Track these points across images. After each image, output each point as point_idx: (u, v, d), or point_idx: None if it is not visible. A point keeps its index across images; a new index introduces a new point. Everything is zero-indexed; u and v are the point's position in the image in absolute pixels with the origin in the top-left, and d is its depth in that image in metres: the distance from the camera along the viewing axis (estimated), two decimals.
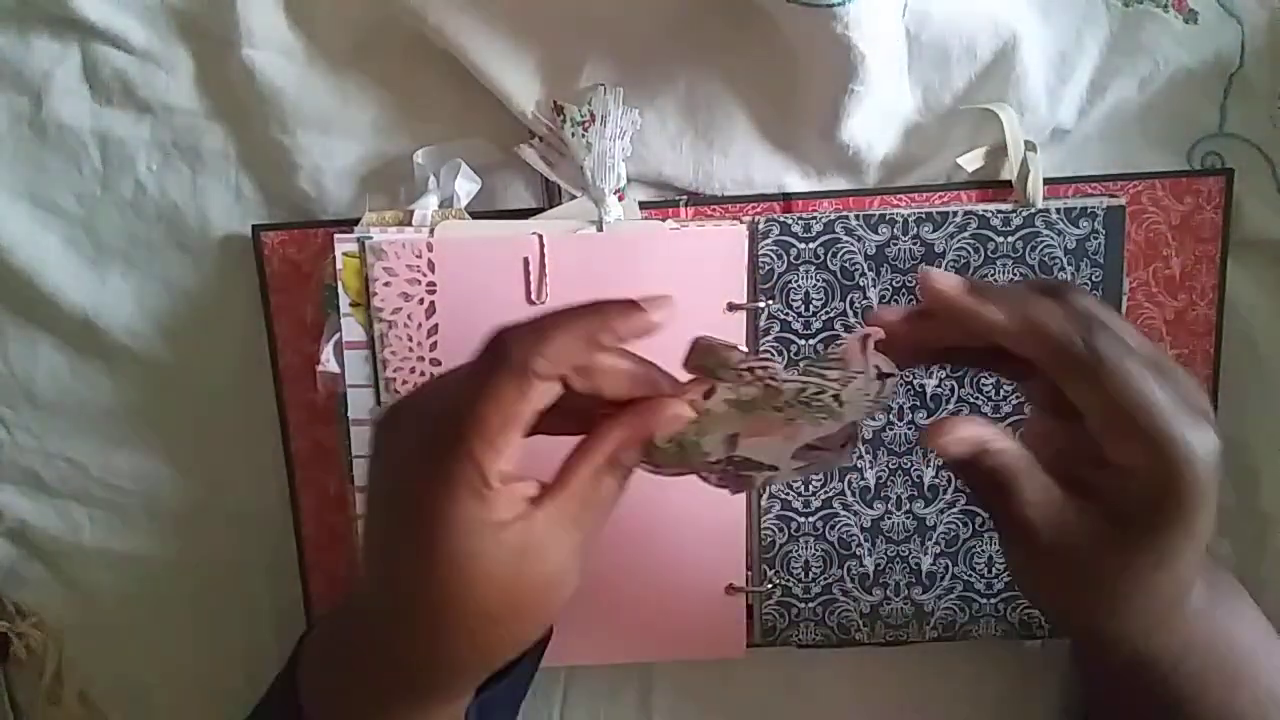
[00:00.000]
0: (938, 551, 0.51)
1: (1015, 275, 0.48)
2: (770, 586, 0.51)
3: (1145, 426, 0.33)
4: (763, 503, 0.50)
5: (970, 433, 0.34)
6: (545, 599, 0.34)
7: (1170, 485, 0.33)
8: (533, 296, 0.48)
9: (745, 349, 0.34)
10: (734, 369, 0.34)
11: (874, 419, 0.36)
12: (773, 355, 0.34)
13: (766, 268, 0.48)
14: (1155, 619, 0.37)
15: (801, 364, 0.35)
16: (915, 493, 0.50)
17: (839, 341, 0.37)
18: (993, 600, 0.51)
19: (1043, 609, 0.40)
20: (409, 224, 0.48)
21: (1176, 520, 0.33)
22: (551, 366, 0.32)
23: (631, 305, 0.33)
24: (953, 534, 0.51)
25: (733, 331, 0.48)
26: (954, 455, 0.34)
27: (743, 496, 0.50)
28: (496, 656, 0.35)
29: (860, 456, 0.50)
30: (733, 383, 0.35)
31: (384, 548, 0.34)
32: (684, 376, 0.35)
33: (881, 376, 0.35)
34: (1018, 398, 0.49)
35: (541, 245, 0.47)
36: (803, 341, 0.49)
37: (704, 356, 0.35)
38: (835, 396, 0.35)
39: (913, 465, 0.50)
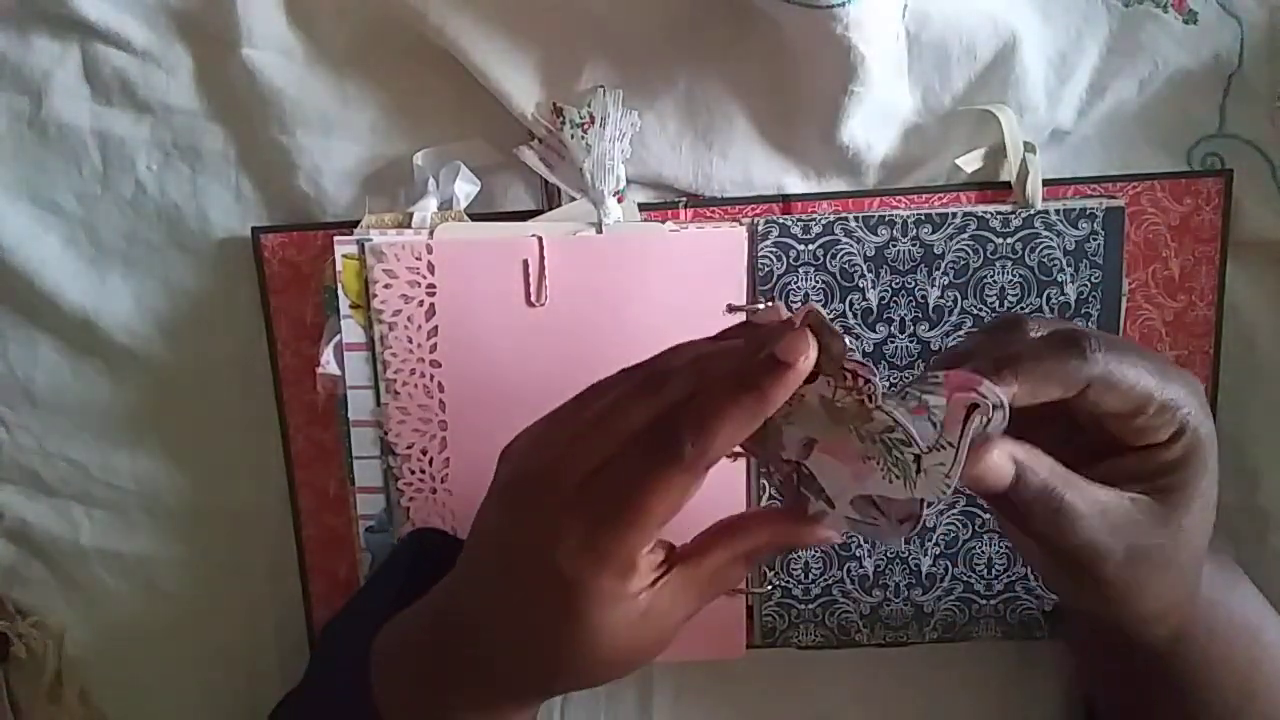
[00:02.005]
0: (937, 552, 0.51)
1: (1014, 277, 0.48)
2: (770, 588, 0.51)
3: (1160, 403, 0.35)
4: (762, 504, 0.50)
5: (1008, 452, 0.34)
6: (650, 654, 0.36)
7: (1193, 443, 0.35)
8: (532, 298, 0.48)
9: (852, 347, 0.33)
10: (837, 361, 0.32)
11: (938, 500, 0.34)
12: (873, 369, 0.32)
13: (766, 269, 0.48)
14: (1195, 582, 0.38)
15: (906, 392, 0.33)
16: None
17: (939, 374, 0.34)
18: (993, 601, 0.51)
19: (1093, 607, 0.39)
20: (408, 226, 0.48)
21: (1204, 470, 0.36)
22: (719, 455, 0.32)
23: (777, 364, 0.32)
24: (952, 535, 0.51)
25: None
26: (1002, 483, 0.34)
27: (743, 498, 0.50)
28: (589, 687, 0.37)
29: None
30: (833, 378, 0.32)
31: (511, 593, 0.35)
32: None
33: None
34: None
35: (541, 247, 0.47)
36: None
37: (819, 333, 0.32)
38: (916, 459, 0.32)
39: None
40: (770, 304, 0.35)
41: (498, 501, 0.37)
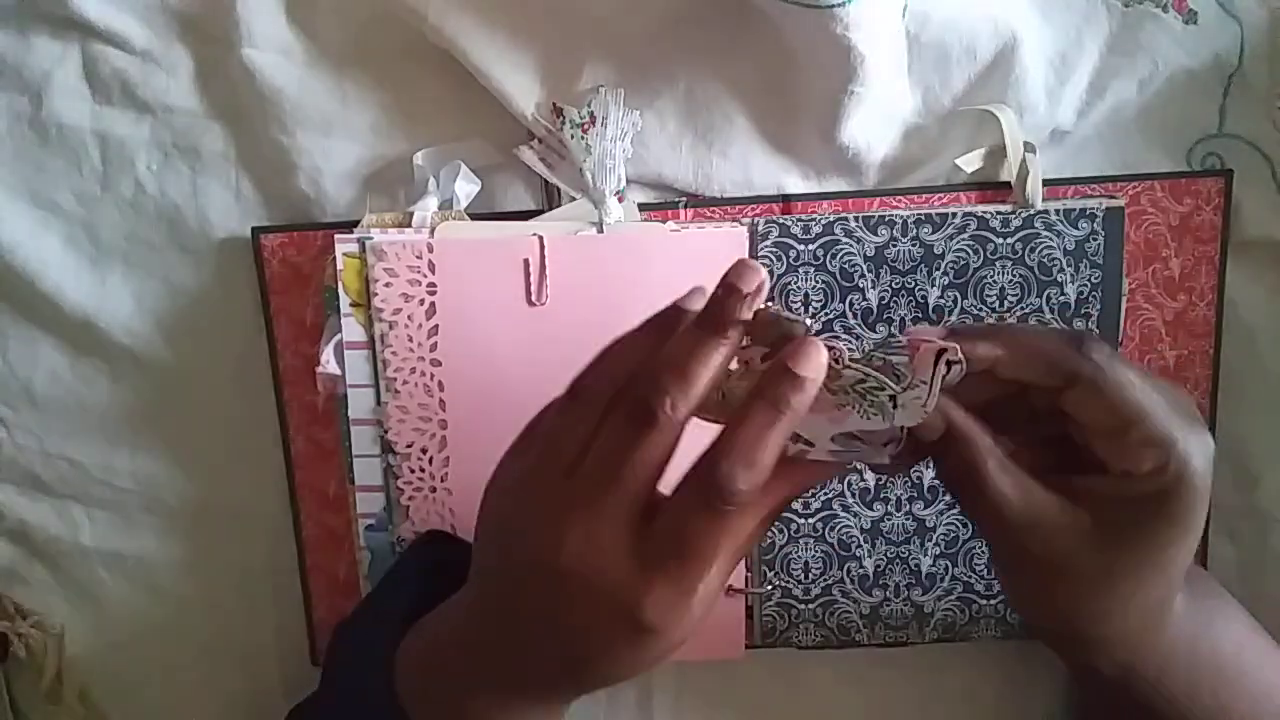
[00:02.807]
0: (937, 553, 0.51)
1: (1014, 277, 0.48)
2: (770, 588, 0.51)
3: (1148, 431, 0.34)
4: None
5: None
6: (694, 632, 0.36)
7: (1173, 487, 0.34)
8: (533, 298, 0.48)
9: (810, 323, 0.34)
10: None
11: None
12: (840, 336, 0.34)
13: (766, 269, 0.48)
14: (1149, 621, 0.37)
15: (870, 355, 0.35)
16: (915, 494, 0.50)
17: (902, 338, 0.37)
18: (993, 601, 0.51)
19: (1031, 615, 0.39)
20: (409, 225, 0.48)
21: (1178, 521, 0.34)
22: (765, 478, 0.33)
23: (796, 379, 0.32)
24: (952, 535, 0.51)
25: None
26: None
27: None
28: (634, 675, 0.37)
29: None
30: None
31: (568, 618, 0.35)
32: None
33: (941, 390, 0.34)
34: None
35: (542, 247, 0.47)
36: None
37: (766, 330, 0.34)
38: (892, 398, 0.34)
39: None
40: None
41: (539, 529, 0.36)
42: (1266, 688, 0.41)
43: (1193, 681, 0.39)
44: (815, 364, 0.32)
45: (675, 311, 0.35)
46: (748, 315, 0.34)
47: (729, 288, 0.33)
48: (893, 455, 0.36)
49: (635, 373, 0.34)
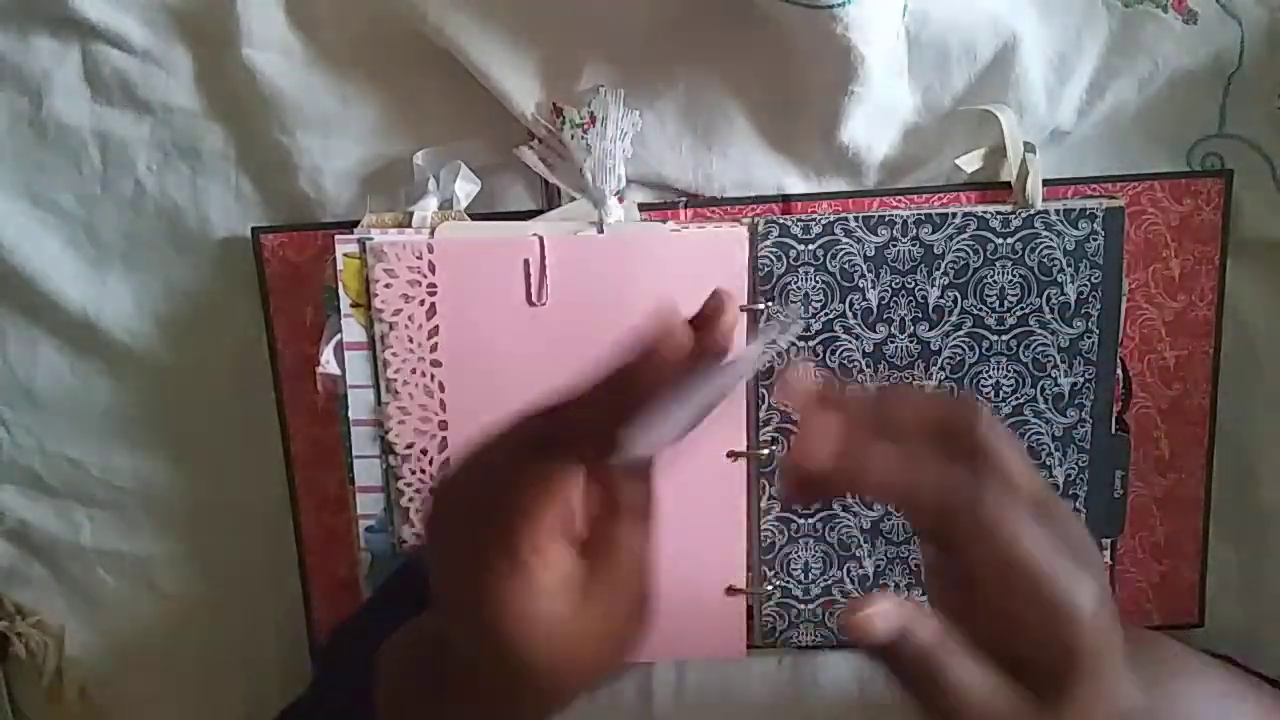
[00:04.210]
0: None
1: (1014, 277, 0.48)
2: (770, 588, 0.51)
3: (1030, 587, 0.31)
4: (762, 504, 0.50)
5: (892, 611, 0.31)
6: (616, 649, 0.35)
7: (1066, 644, 0.31)
8: (533, 298, 0.48)
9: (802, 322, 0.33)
10: None
11: None
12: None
13: (766, 269, 0.48)
14: None
15: None
16: None
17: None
18: None
19: None
20: (409, 225, 0.48)
21: (1081, 677, 0.31)
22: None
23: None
24: None
25: None
26: (878, 637, 0.31)
27: (743, 498, 0.50)
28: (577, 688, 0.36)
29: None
30: None
31: (457, 606, 0.35)
32: None
33: None
34: (1017, 398, 0.49)
35: (542, 247, 0.47)
36: (803, 344, 0.49)
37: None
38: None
39: None
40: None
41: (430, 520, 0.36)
42: None
43: None
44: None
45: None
46: None
47: None
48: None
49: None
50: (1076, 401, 0.49)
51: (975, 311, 0.49)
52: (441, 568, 0.34)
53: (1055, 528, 0.31)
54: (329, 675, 0.44)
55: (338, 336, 0.48)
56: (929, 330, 0.49)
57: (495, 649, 0.33)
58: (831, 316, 0.49)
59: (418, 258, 0.47)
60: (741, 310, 0.48)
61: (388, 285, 0.47)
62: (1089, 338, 0.49)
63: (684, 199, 0.50)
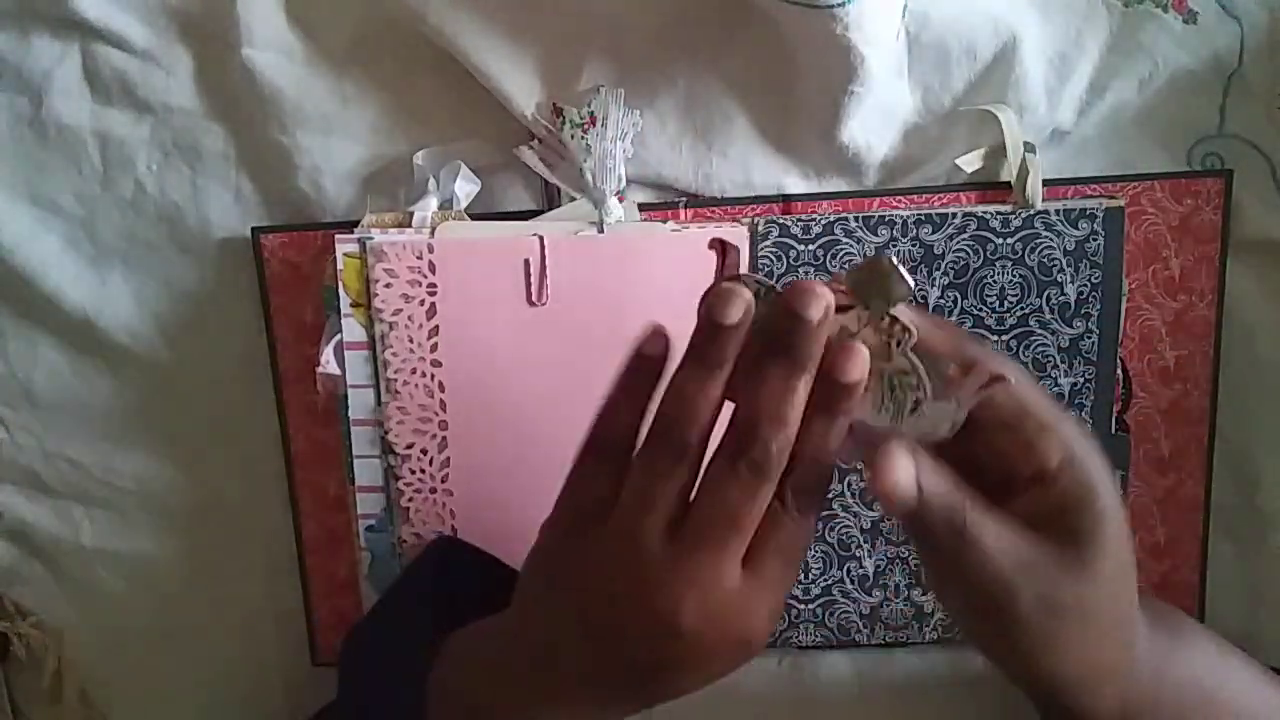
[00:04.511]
0: None
1: (1014, 277, 0.48)
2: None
3: (1043, 417, 0.34)
4: None
5: (910, 467, 0.33)
6: (758, 641, 0.35)
7: (1084, 481, 0.34)
8: (533, 298, 0.48)
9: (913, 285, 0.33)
10: (889, 303, 0.32)
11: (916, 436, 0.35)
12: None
13: (766, 269, 0.48)
14: (1113, 657, 0.36)
15: (901, 339, 0.33)
16: None
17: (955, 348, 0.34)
18: None
19: (1028, 671, 0.37)
20: (409, 225, 0.48)
21: (1107, 516, 0.34)
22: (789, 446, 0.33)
23: (796, 320, 0.32)
24: None
25: None
26: (909, 502, 0.33)
27: None
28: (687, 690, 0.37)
29: (857, 469, 0.50)
30: (874, 317, 0.33)
31: (608, 633, 0.35)
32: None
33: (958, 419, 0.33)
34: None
35: (542, 247, 0.47)
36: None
37: (872, 276, 0.32)
38: (916, 404, 0.33)
39: None
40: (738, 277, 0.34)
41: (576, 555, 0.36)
42: (1246, 714, 0.39)
43: (1165, 714, 0.38)
44: (812, 305, 0.31)
45: (643, 359, 0.35)
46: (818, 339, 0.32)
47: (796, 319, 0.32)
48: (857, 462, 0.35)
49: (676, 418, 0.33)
50: (1076, 402, 0.49)
51: (975, 311, 0.49)
52: (620, 596, 0.34)
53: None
54: (364, 680, 0.43)
55: (338, 336, 0.48)
56: None
57: (647, 614, 0.33)
58: None
59: (418, 258, 0.47)
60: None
61: (388, 285, 0.47)
62: (1089, 338, 0.49)
63: (684, 199, 0.50)
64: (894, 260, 0.32)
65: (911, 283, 0.32)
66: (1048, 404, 0.34)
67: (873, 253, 0.48)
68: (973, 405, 0.33)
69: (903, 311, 0.33)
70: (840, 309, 0.33)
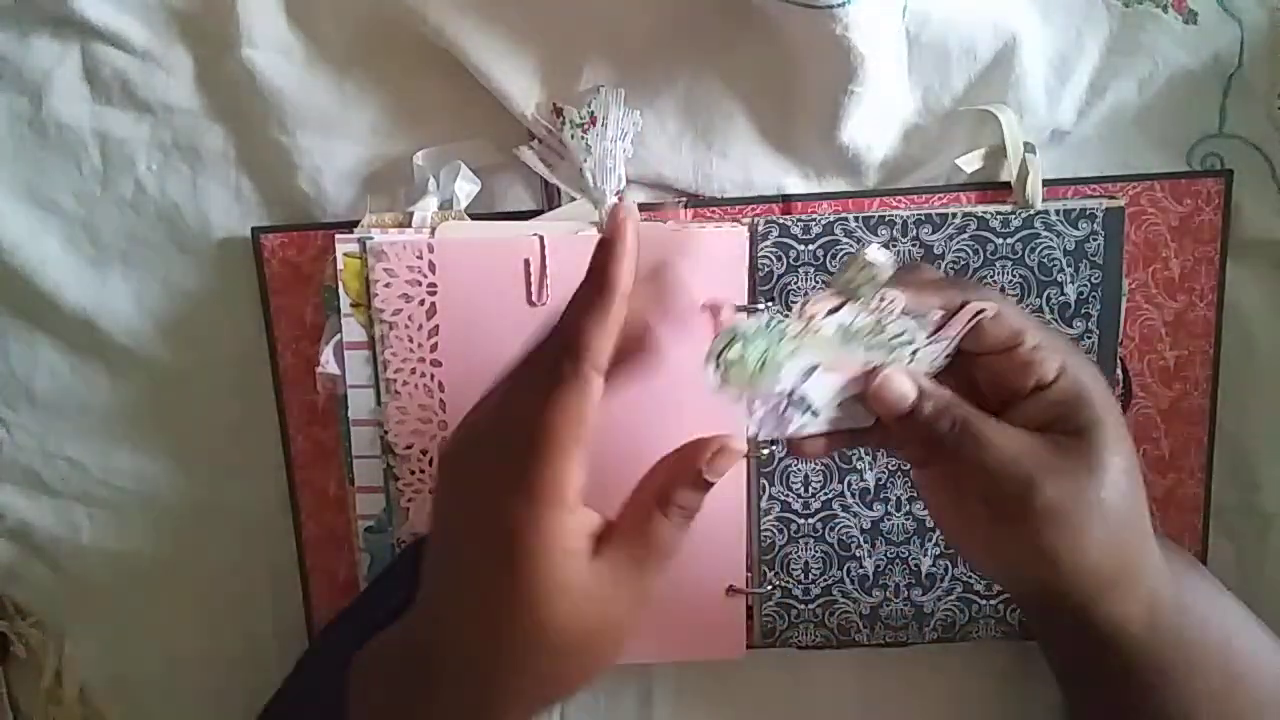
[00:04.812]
0: (937, 553, 0.51)
1: (1014, 277, 0.48)
2: (770, 588, 0.51)
3: (1037, 337, 0.36)
4: (762, 504, 0.50)
5: (906, 377, 0.36)
6: (608, 646, 0.35)
7: (1081, 390, 0.36)
8: (533, 298, 0.48)
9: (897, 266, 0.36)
10: (877, 288, 0.36)
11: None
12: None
13: (766, 269, 0.48)
14: (1132, 557, 0.37)
15: (881, 303, 0.37)
16: (915, 494, 0.50)
17: (931, 288, 0.38)
18: (993, 601, 0.51)
19: (1015, 576, 0.39)
20: (409, 225, 0.48)
21: (1103, 423, 0.36)
22: (600, 360, 0.33)
23: (606, 245, 0.34)
24: None
25: None
26: (905, 402, 0.36)
27: (743, 498, 0.50)
28: (560, 693, 0.36)
29: (860, 457, 0.50)
30: (865, 303, 0.36)
31: (465, 581, 0.34)
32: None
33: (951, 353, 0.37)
34: None
35: (542, 246, 0.47)
36: None
37: (860, 272, 0.36)
38: (914, 353, 0.37)
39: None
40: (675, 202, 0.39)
41: (435, 505, 0.37)
42: (1266, 675, 0.40)
43: (1191, 660, 0.39)
44: (619, 229, 0.34)
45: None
46: (628, 267, 0.35)
47: (606, 244, 0.35)
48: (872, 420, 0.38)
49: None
50: None
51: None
52: (470, 523, 0.34)
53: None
54: (306, 676, 0.44)
55: (338, 336, 0.48)
56: None
57: (525, 612, 0.33)
58: None
59: (418, 258, 0.47)
60: (739, 311, 0.48)
61: (388, 285, 0.47)
62: (1089, 338, 0.49)
63: (684, 199, 0.50)
64: (866, 253, 0.36)
65: (886, 258, 0.36)
66: (1038, 327, 0.37)
67: None
68: (961, 338, 0.37)
69: (888, 290, 0.36)
70: (831, 311, 0.36)
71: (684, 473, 0.35)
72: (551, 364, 0.33)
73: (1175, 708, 0.39)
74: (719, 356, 0.35)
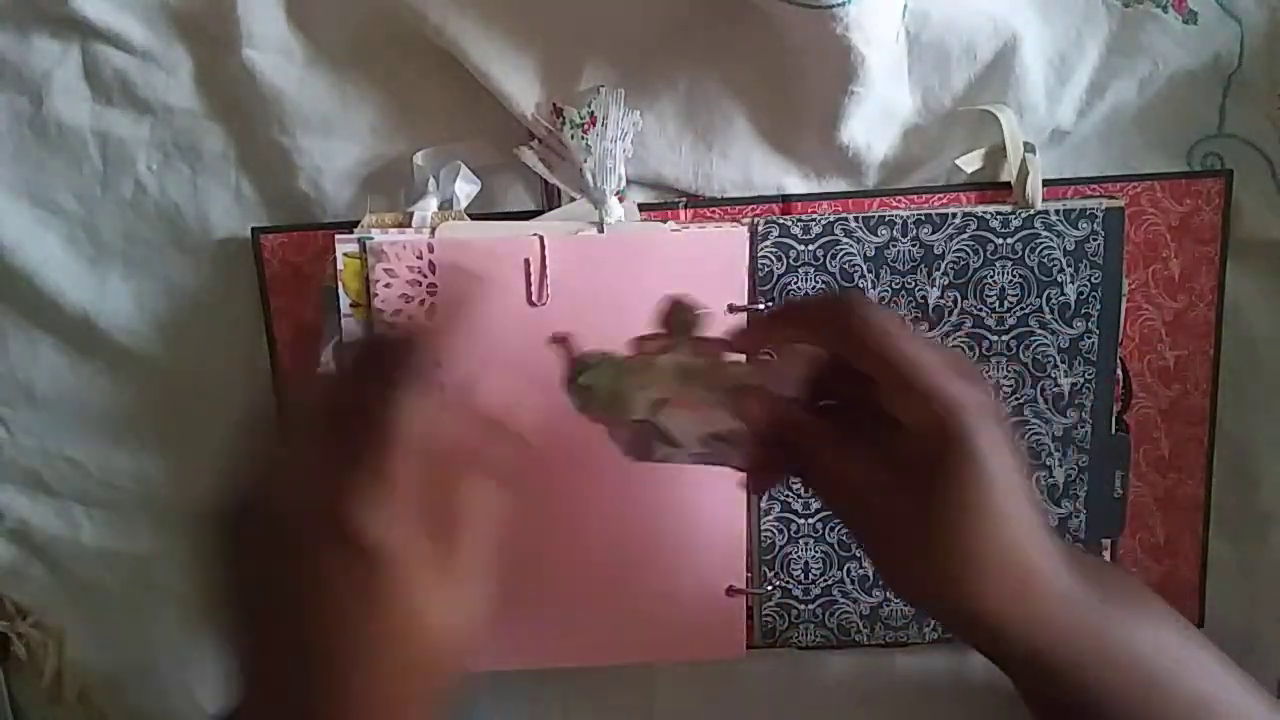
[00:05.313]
0: None
1: (1014, 277, 0.48)
2: (770, 588, 0.51)
3: (915, 380, 0.35)
4: (763, 505, 0.50)
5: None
6: (463, 632, 0.35)
7: (946, 432, 0.35)
8: (533, 298, 0.48)
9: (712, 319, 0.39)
10: (692, 336, 0.39)
11: None
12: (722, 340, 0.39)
13: (766, 269, 0.48)
14: (1019, 586, 0.36)
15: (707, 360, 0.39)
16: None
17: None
18: None
19: (907, 592, 0.39)
20: (409, 225, 0.48)
21: (964, 462, 0.35)
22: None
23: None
24: None
25: None
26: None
27: (743, 498, 0.50)
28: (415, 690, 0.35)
29: None
30: (688, 348, 0.39)
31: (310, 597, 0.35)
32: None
33: None
34: (1017, 399, 0.49)
35: (542, 247, 0.47)
36: None
37: (676, 313, 0.39)
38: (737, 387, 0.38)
39: None
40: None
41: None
42: (1198, 696, 0.38)
43: (1117, 684, 0.37)
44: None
45: None
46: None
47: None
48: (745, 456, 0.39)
49: None
50: (1076, 402, 0.49)
51: (975, 312, 0.49)
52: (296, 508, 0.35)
53: (940, 350, 0.37)
54: None
55: (337, 336, 0.48)
56: (929, 330, 0.49)
57: (370, 607, 0.33)
58: None
59: (418, 258, 0.47)
60: (739, 311, 0.48)
61: (388, 285, 0.47)
62: (1089, 338, 0.49)
63: (684, 199, 0.50)
64: (680, 300, 0.39)
65: (694, 306, 0.39)
66: (915, 356, 0.35)
67: (872, 253, 0.48)
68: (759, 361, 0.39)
69: (700, 332, 0.39)
70: (663, 350, 0.39)
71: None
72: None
73: None
74: (572, 384, 0.39)
